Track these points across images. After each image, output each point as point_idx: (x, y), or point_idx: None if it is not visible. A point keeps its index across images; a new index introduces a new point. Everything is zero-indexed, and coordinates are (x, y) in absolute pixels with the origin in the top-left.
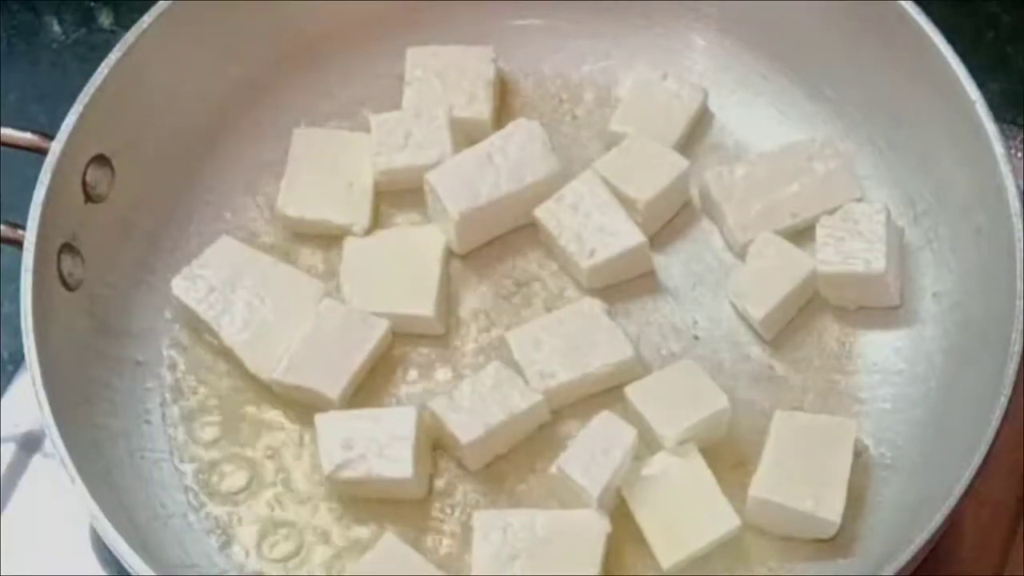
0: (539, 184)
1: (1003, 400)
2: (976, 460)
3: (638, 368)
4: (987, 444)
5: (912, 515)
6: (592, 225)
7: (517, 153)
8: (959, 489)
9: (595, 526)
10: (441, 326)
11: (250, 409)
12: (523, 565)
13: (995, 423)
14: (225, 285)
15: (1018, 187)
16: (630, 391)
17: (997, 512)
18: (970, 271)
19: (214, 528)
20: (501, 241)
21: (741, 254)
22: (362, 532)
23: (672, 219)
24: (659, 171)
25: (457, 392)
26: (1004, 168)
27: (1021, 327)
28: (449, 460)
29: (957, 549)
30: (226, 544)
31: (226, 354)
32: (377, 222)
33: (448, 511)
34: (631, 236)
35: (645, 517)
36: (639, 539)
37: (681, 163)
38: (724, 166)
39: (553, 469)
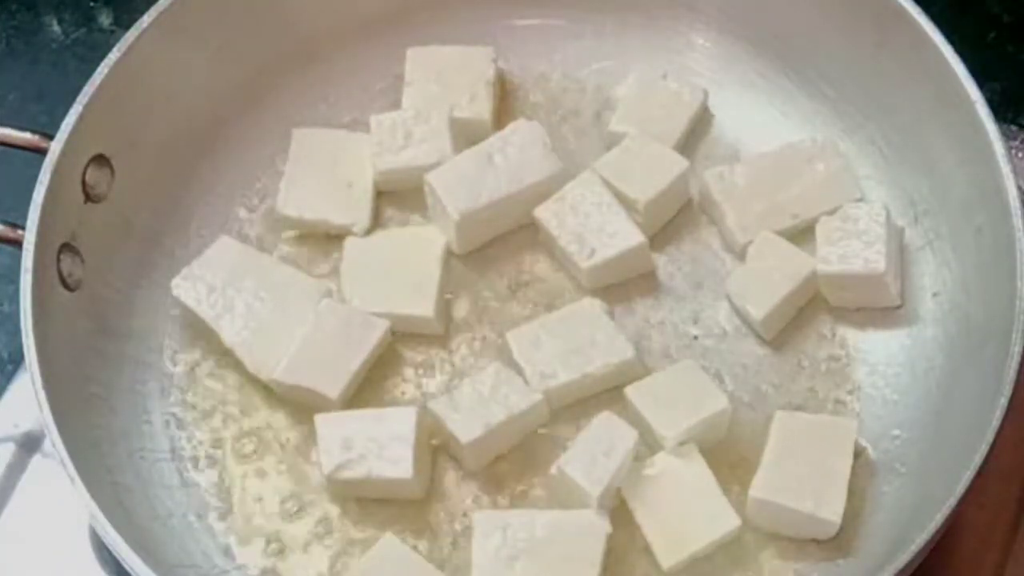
0: (539, 184)
1: (1003, 400)
2: (976, 460)
3: (638, 368)
4: (987, 444)
5: (912, 515)
6: (592, 225)
7: (517, 154)
8: (959, 489)
9: (595, 526)
10: (441, 326)
11: (250, 409)
12: (523, 566)
13: (995, 423)
14: (225, 285)
15: (1018, 187)
16: (630, 392)
17: (997, 512)
18: (970, 271)
19: (213, 528)
20: (501, 241)
21: (741, 254)
22: (362, 532)
23: (672, 219)
24: (659, 171)
25: (457, 392)
26: (1004, 168)
27: (1021, 327)
28: (449, 460)
29: (957, 549)
30: (226, 544)
31: (226, 354)
32: (377, 222)
33: (448, 511)
34: (631, 236)
35: (645, 517)
36: (639, 539)
37: (681, 163)
38: (724, 166)
39: (553, 470)
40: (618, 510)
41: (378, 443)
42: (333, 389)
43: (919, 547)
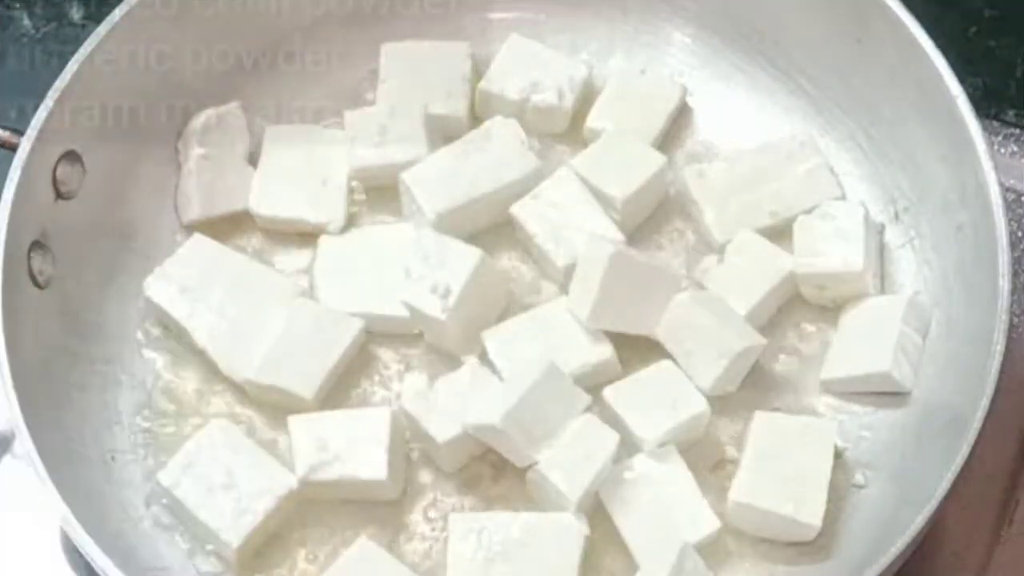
0: (517, 183)
1: (985, 401)
2: (958, 462)
3: (616, 368)
4: (968, 446)
5: (894, 517)
6: (569, 223)
7: (495, 151)
8: (941, 491)
9: (573, 529)
10: (416, 326)
11: (223, 410)
12: (500, 568)
13: (977, 424)
14: (198, 285)
15: (1000, 184)
16: (608, 393)
17: (979, 515)
18: (951, 269)
19: (186, 531)
20: (477, 239)
21: (720, 252)
22: (336, 535)
23: (650, 216)
24: (637, 168)
25: (433, 392)
26: (986, 164)
27: (1003, 326)
28: (425, 461)
29: (940, 551)
30: (199, 547)
31: (199, 354)
32: (352, 220)
33: (423, 513)
34: (608, 234)
35: (624, 520)
36: (618, 542)
37: (659, 160)
38: (703, 163)
39: (532, 473)
40: (596, 512)
41: (352, 444)
42: (308, 389)
43: (900, 549)
